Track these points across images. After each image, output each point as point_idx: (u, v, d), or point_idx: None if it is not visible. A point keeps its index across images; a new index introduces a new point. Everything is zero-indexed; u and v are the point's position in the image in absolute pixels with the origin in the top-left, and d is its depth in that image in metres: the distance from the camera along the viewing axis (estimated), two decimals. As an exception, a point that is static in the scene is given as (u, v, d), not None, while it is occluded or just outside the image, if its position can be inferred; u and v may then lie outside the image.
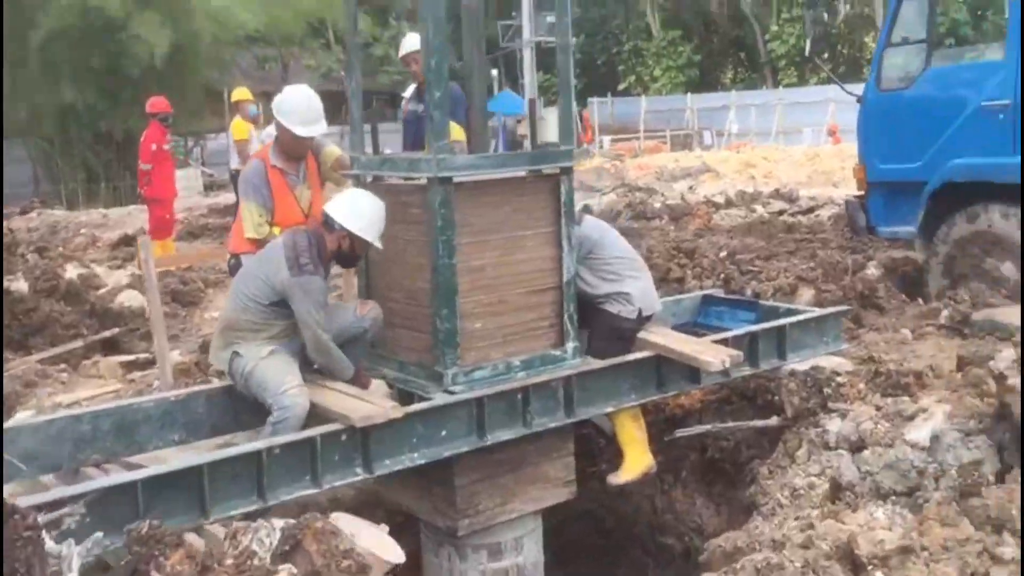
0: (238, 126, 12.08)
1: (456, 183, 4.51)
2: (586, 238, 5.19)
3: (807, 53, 8.56)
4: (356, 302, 4.99)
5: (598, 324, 5.23)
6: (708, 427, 5.31)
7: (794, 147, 26.41)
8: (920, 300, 7.33)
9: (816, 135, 29.74)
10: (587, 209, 5.91)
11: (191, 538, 2.52)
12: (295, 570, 2.27)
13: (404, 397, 4.76)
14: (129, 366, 7.38)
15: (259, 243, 5.05)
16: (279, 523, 2.40)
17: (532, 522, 5.02)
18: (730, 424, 5.29)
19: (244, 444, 4.55)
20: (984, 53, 8.98)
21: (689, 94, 40.06)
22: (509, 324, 4.82)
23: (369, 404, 4.30)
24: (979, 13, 32.06)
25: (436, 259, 4.53)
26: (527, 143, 5.65)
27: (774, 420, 5.12)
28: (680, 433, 5.30)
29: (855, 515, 3.26)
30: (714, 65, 47.04)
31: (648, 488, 5.85)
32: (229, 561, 2.29)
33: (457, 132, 5.51)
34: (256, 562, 2.30)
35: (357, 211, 4.62)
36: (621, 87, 45.33)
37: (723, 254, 8.46)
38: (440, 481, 4.67)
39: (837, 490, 3.91)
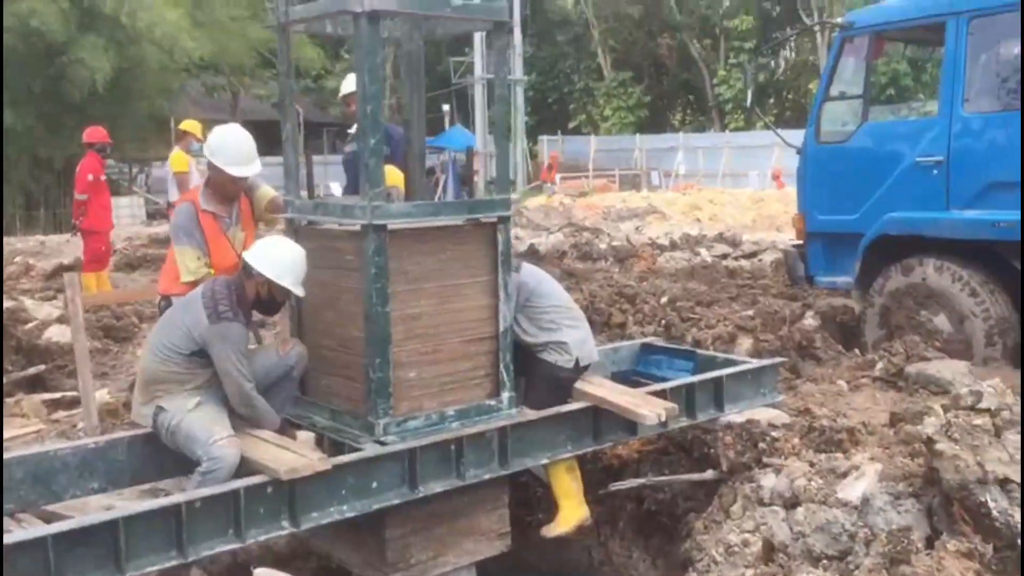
0: (178, 158, 11.85)
1: (391, 230, 4.45)
2: (523, 285, 5.15)
3: (747, 103, 8.67)
4: (277, 342, 4.87)
5: (535, 373, 5.18)
6: (644, 480, 5.27)
7: (740, 190, 26.83)
8: (857, 350, 7.41)
9: (761, 179, 30.25)
10: (528, 255, 5.88)
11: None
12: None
13: (335, 447, 4.65)
14: (54, 405, 7.14)
15: (194, 285, 4.92)
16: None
17: (467, 574, 4.91)
18: (666, 477, 5.26)
19: (164, 497, 4.40)
20: (924, 107, 9.19)
21: (638, 135, 40.60)
22: (444, 373, 4.75)
23: (296, 455, 4.19)
24: (919, 64, 32.99)
25: (370, 307, 4.45)
26: (478, 179, 5.62)
27: (710, 474, 5.09)
28: (616, 487, 5.25)
29: (785, 580, 3.23)
30: (663, 107, 47.77)
31: (586, 539, 5.78)
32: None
33: (394, 177, 5.44)
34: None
35: (275, 258, 4.53)
36: (571, 125, 45.78)
37: (664, 300, 8.49)
38: (371, 533, 4.55)
39: (770, 551, 3.88)
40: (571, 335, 5.19)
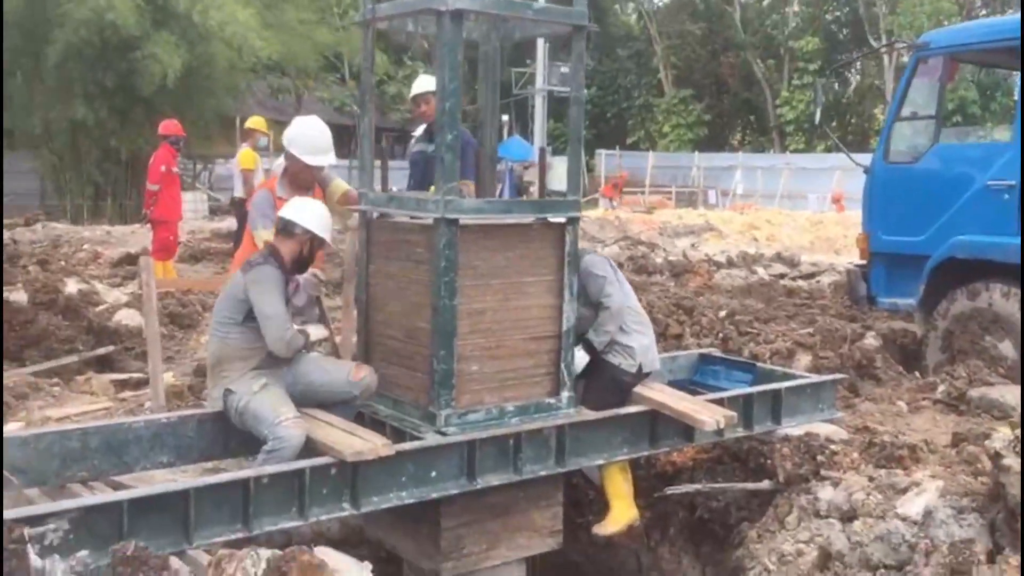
0: (246, 155, 12.13)
1: (462, 225, 4.54)
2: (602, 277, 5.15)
3: (816, 121, 8.64)
4: (351, 364, 4.95)
5: (597, 374, 5.22)
6: (699, 486, 5.28)
7: (798, 212, 26.60)
8: (917, 373, 7.33)
9: (821, 201, 29.96)
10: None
11: (175, 563, 2.48)
12: (278, 604, 2.24)
13: (396, 435, 4.74)
14: (121, 385, 7.35)
15: None
16: (266, 553, 2.37)
17: (516, 570, 4.97)
18: (721, 485, 5.26)
19: (233, 471, 4.53)
20: (992, 133, 9.07)
21: (696, 152, 40.45)
22: (506, 369, 4.81)
23: (360, 440, 4.28)
24: (988, 93, 32.48)
25: (437, 300, 4.53)
26: (534, 189, 5.70)
27: (766, 484, 5.09)
28: (670, 491, 5.27)
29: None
30: (723, 125, 47.57)
31: (635, 543, 5.80)
32: (213, 590, 2.26)
33: None
34: (239, 594, 2.27)
35: (317, 215, 4.77)
36: (629, 141, 45.76)
37: (722, 314, 8.47)
38: (426, 522, 4.63)
39: (826, 559, 3.88)
40: (638, 340, 5.23)
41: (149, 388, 6.58)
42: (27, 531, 2.17)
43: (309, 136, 5.16)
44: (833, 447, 4.99)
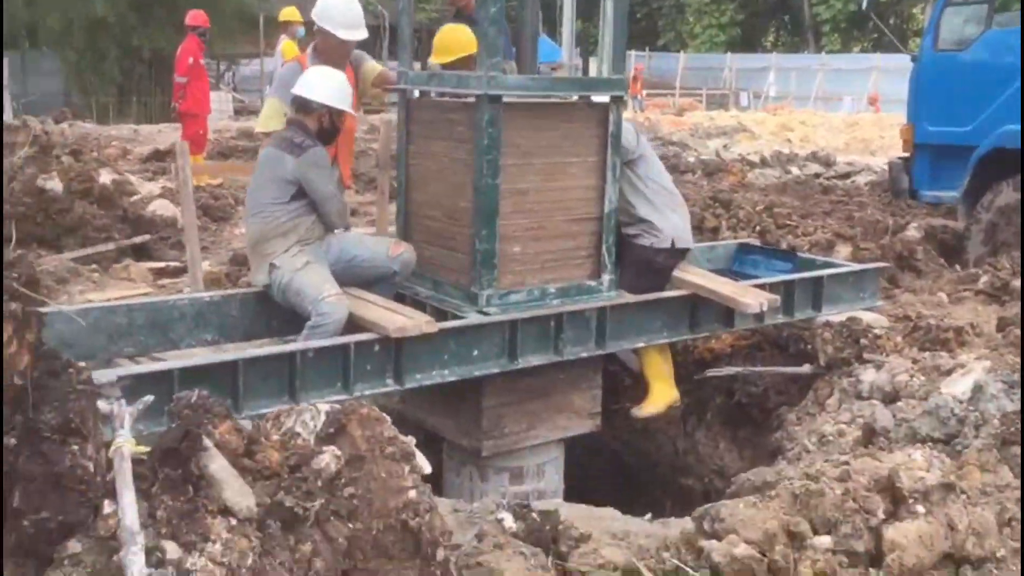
0: (288, 47, 11.88)
1: (505, 103, 4.45)
2: (635, 145, 5.06)
3: (862, 6, 8.35)
4: (390, 240, 4.94)
5: (631, 257, 5.17)
6: (739, 369, 5.28)
7: (833, 113, 26.03)
8: (957, 267, 7.24)
9: (856, 103, 29.31)
10: None
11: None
12: (339, 452, 2.25)
13: (438, 316, 4.75)
14: (159, 272, 7.41)
15: (266, 136, 5.03)
16: (324, 407, 2.38)
17: (556, 450, 5.03)
18: (761, 368, 5.25)
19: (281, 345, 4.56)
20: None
21: (729, 53, 39.49)
22: (547, 250, 4.78)
23: (404, 316, 4.29)
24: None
25: (479, 179, 4.48)
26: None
27: (806, 368, 5.08)
28: (711, 373, 5.27)
29: (892, 455, 3.23)
30: (756, 26, 46.29)
31: (671, 428, 5.85)
32: (275, 437, 2.28)
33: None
34: (300, 442, 2.29)
35: (330, 86, 4.65)
36: (660, 42, 44.73)
37: (760, 207, 8.36)
38: (467, 401, 4.67)
39: (871, 435, 3.88)
40: (669, 219, 5.16)
41: (187, 275, 6.63)
42: (95, 375, 2.18)
43: (341, 9, 5.03)
44: (876, 332, 4.95)
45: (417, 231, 5.00)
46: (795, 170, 14.21)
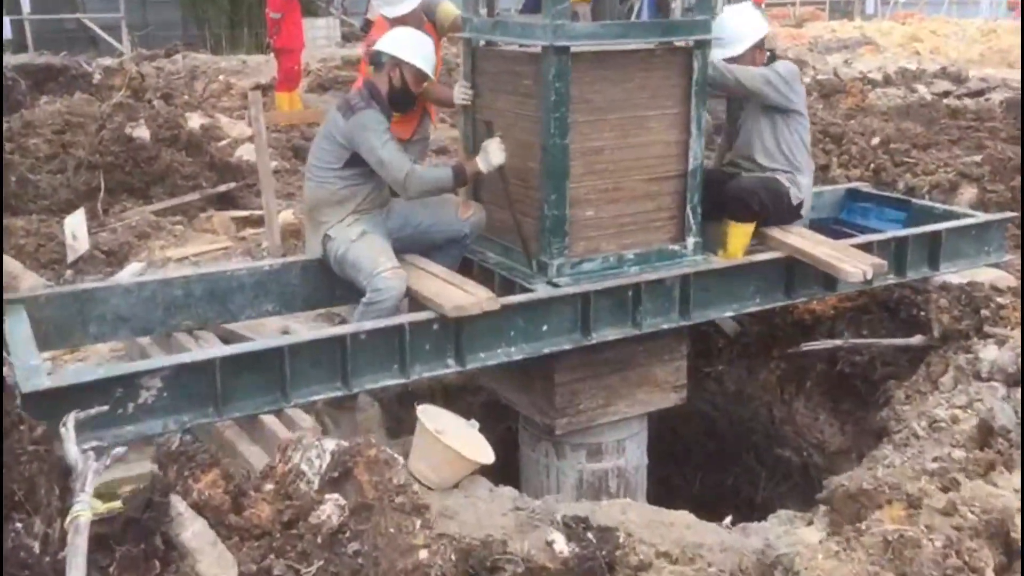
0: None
1: (574, 53, 4.01)
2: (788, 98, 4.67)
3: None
4: (458, 200, 4.61)
5: (763, 182, 4.73)
6: (840, 343, 4.79)
7: (968, 20, 24.07)
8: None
9: (995, 7, 27.04)
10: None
11: (226, 463, 2.27)
12: (343, 501, 1.98)
13: (506, 286, 4.43)
14: (243, 222, 7.30)
15: None
16: (330, 445, 2.11)
17: (637, 425, 4.69)
18: (866, 340, 4.75)
19: (340, 323, 4.33)
20: None
21: (855, -44, 36.96)
22: (625, 214, 4.37)
23: (464, 293, 3.98)
24: None
25: (547, 138, 4.08)
26: (674, 8, 5.01)
27: (918, 339, 4.56)
28: (809, 347, 4.80)
29: (1010, 477, 2.78)
30: (886, -76, 43.15)
31: (767, 395, 5.44)
32: (269, 487, 2.02)
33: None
34: (303, 485, 2.03)
35: (400, 40, 4.33)
36: (781, -54, 42.22)
37: (875, 141, 7.65)
38: (540, 376, 4.37)
39: (987, 434, 3.40)
40: (806, 178, 4.81)
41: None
42: (69, 419, 1.95)
43: None
44: (1000, 300, 4.39)
45: (486, 191, 4.65)
46: (921, 88, 13.12)
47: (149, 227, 6.78)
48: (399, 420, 4.68)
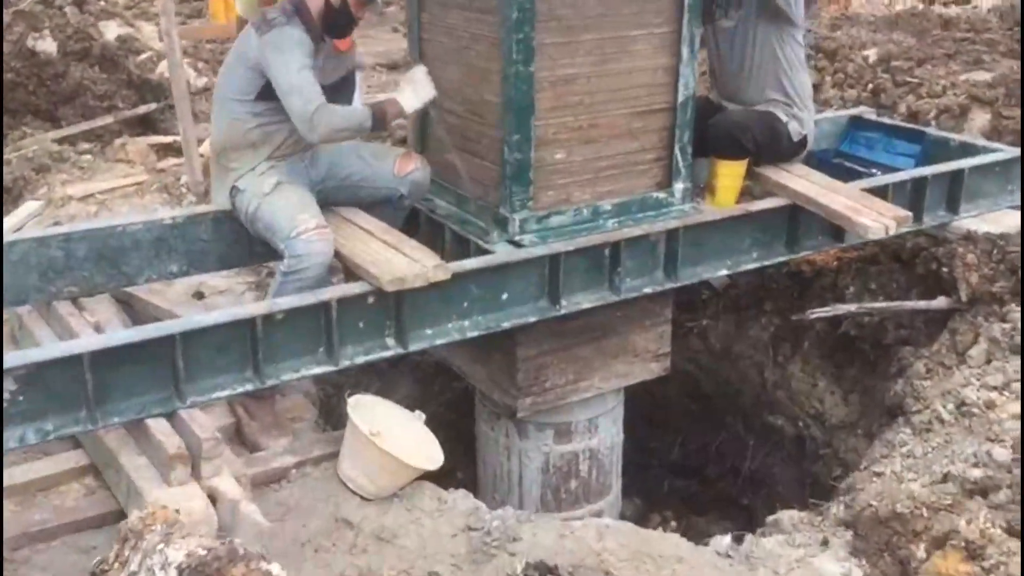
0: None
1: (542, -43, 3.21)
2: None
3: None
4: (397, 151, 3.81)
5: (757, 115, 4.08)
6: (850, 308, 4.11)
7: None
8: None
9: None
10: None
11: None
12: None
13: (459, 243, 3.70)
14: (164, 151, 6.43)
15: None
16: (177, 557, 1.40)
17: (612, 400, 4.04)
18: (881, 304, 4.09)
19: (238, 307, 3.52)
20: None
21: None
22: (602, 156, 3.63)
23: (407, 259, 3.24)
24: None
25: (509, 64, 3.31)
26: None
27: (941, 301, 3.91)
28: (815, 314, 4.12)
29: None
30: None
31: (758, 355, 4.81)
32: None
33: None
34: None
35: None
36: None
37: (872, 58, 6.89)
38: (500, 349, 3.67)
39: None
40: (808, 114, 4.17)
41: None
42: None
43: None
44: (1041, 257, 3.74)
45: (434, 130, 3.87)
46: (908, -7, 12.29)
47: (50, 158, 5.89)
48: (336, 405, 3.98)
